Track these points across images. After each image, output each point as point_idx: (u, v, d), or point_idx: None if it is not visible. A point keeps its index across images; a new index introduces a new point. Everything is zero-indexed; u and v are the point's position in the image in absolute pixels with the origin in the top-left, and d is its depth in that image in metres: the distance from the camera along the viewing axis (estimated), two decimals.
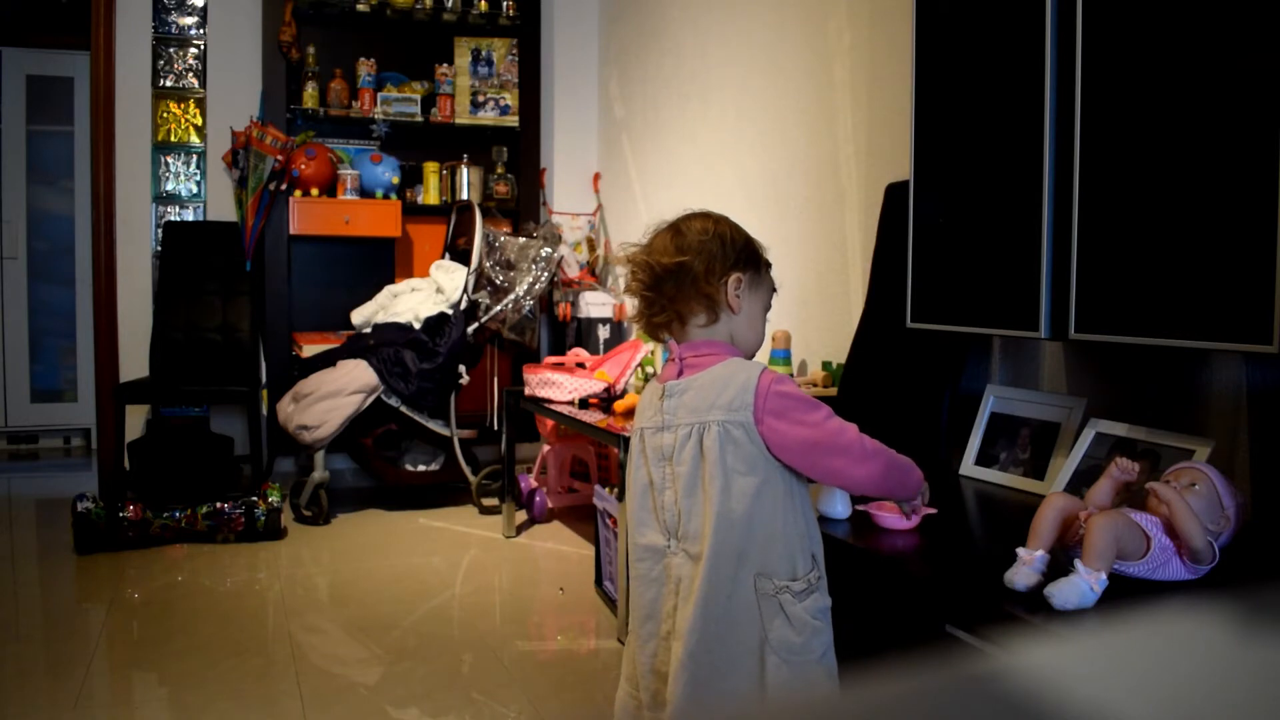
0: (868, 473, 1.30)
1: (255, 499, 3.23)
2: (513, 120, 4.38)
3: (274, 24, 4.01)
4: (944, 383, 2.12)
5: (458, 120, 4.31)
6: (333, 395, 3.37)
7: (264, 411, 3.85)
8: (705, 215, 1.38)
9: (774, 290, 1.43)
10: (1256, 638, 0.29)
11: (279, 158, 3.91)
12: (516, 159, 4.41)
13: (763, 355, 1.47)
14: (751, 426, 1.26)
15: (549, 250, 3.80)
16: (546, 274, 3.79)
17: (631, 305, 1.42)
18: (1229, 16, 1.38)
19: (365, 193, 4.12)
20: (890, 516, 1.57)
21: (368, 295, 3.89)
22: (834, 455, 1.28)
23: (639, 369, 3.30)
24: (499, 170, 4.40)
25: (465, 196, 4.23)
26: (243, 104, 4.14)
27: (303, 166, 3.98)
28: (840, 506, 1.63)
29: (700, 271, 1.32)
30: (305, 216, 4.02)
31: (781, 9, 3.13)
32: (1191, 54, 1.43)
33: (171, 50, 4.18)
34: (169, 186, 4.20)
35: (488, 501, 3.64)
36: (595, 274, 4.49)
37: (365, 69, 4.18)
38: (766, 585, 1.27)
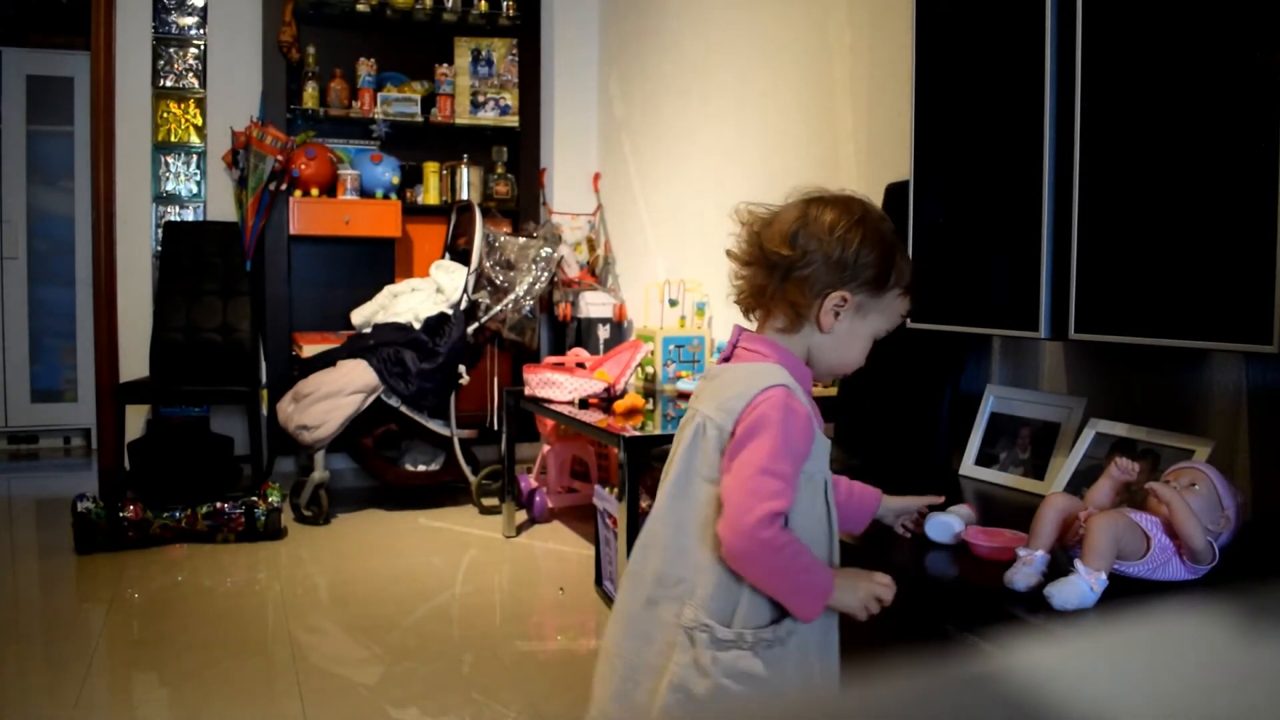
0: (729, 547, 1.08)
1: (255, 499, 3.23)
2: (513, 120, 4.38)
3: (274, 24, 4.01)
4: (944, 383, 2.12)
5: (458, 120, 4.31)
6: (333, 395, 3.37)
7: (264, 411, 3.85)
8: (846, 207, 1.16)
9: (902, 317, 1.20)
10: (1256, 638, 0.29)
11: (279, 158, 3.91)
12: (516, 159, 4.41)
13: None
14: (728, 431, 1.11)
15: (549, 250, 3.80)
16: (546, 274, 3.79)
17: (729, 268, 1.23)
18: (1228, 16, 1.38)
19: (365, 193, 4.12)
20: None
21: (368, 295, 3.89)
22: (726, 497, 1.09)
23: (639, 369, 3.30)
24: (499, 170, 4.40)
25: (465, 196, 4.23)
26: (243, 104, 4.14)
27: (303, 166, 3.98)
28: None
29: (800, 278, 1.13)
30: (305, 216, 4.02)
31: (781, 9, 3.13)
32: (1191, 54, 1.43)
33: (171, 50, 4.18)
34: (169, 186, 4.20)
35: (488, 501, 3.64)
36: (595, 274, 4.49)
37: (365, 69, 4.18)
38: (688, 612, 1.11)
